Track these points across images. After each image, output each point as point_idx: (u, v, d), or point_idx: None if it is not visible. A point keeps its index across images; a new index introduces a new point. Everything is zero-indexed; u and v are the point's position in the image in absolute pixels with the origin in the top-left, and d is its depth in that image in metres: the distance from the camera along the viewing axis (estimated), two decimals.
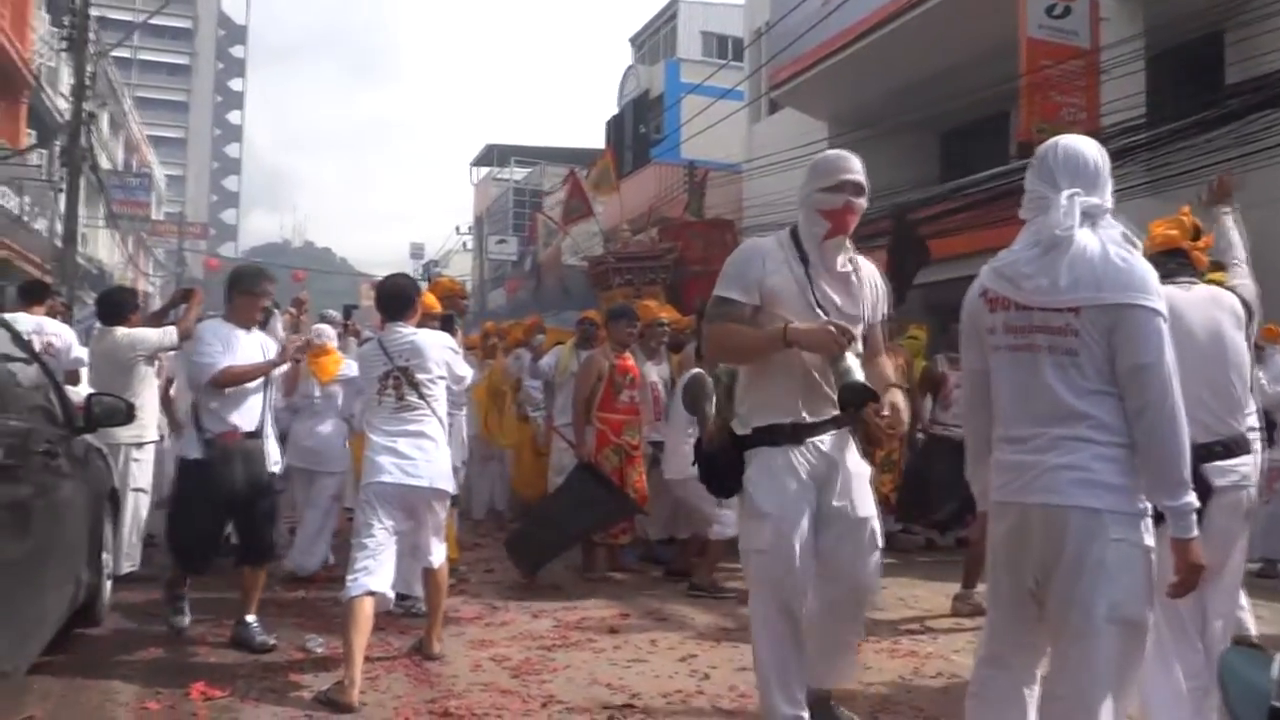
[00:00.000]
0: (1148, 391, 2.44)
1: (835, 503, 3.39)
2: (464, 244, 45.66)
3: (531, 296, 27.16)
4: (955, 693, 4.41)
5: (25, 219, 19.44)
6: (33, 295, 7.32)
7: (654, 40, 31.27)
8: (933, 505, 7.57)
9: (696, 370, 6.72)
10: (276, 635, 5.06)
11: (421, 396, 4.72)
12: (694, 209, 15.19)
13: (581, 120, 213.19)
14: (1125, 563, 2.45)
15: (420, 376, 4.72)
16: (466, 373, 5.31)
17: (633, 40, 32.71)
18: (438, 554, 4.85)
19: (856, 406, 3.26)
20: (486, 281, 36.24)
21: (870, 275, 3.58)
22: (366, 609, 4.36)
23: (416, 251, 56.97)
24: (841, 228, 3.42)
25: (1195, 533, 2.45)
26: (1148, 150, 10.24)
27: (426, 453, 4.66)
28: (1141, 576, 2.48)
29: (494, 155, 42.59)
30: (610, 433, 6.92)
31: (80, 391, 5.88)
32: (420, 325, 4.99)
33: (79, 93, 18.27)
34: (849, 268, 3.48)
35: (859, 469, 3.49)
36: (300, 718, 4.01)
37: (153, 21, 49.30)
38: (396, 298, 4.88)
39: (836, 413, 3.37)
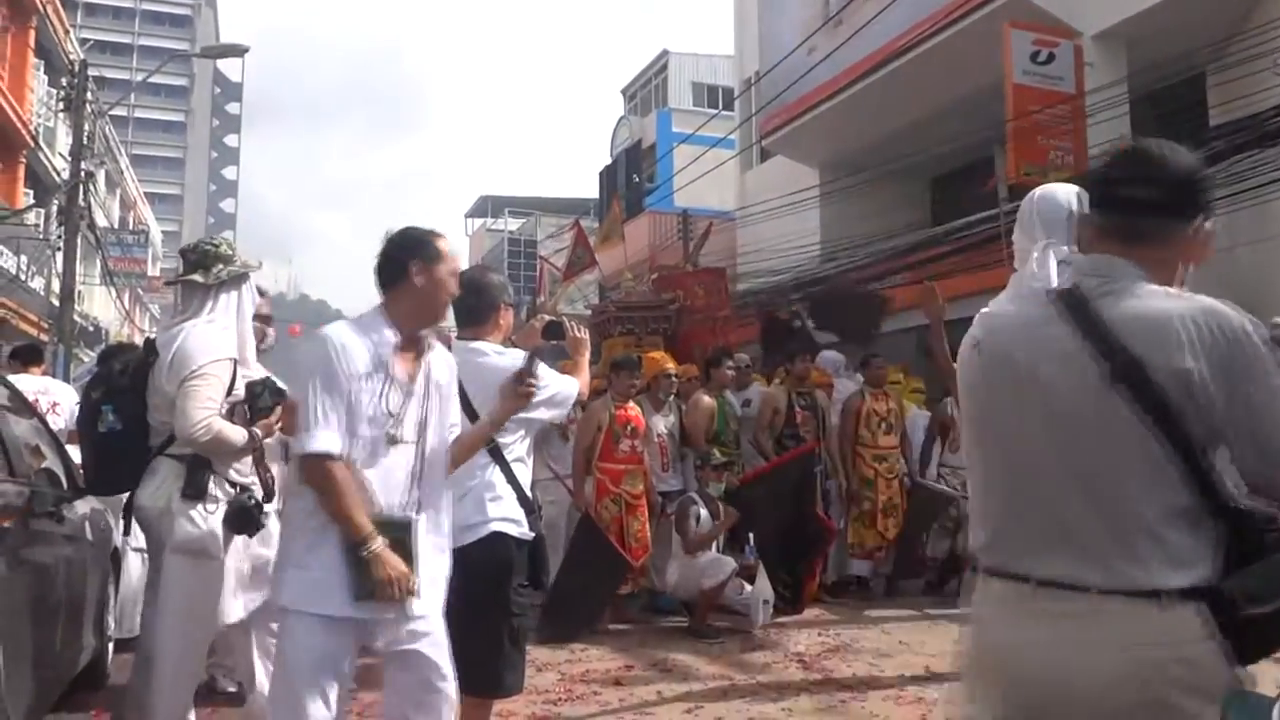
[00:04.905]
0: None
1: None
2: None
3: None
4: None
5: (23, 278, 19.49)
6: (30, 357, 7.34)
7: (645, 91, 31.70)
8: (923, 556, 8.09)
9: (686, 495, 7.01)
10: None
11: None
12: (694, 258, 15.31)
13: (574, 170, 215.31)
14: None
15: None
16: None
17: (624, 91, 33.13)
18: None
19: None
20: None
21: None
22: None
23: None
24: None
25: None
26: None
27: None
28: None
29: (488, 206, 42.96)
30: (610, 483, 6.93)
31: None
32: None
33: (77, 152, 18.37)
34: None
35: None
36: None
37: (149, 80, 49.76)
38: None
39: None
